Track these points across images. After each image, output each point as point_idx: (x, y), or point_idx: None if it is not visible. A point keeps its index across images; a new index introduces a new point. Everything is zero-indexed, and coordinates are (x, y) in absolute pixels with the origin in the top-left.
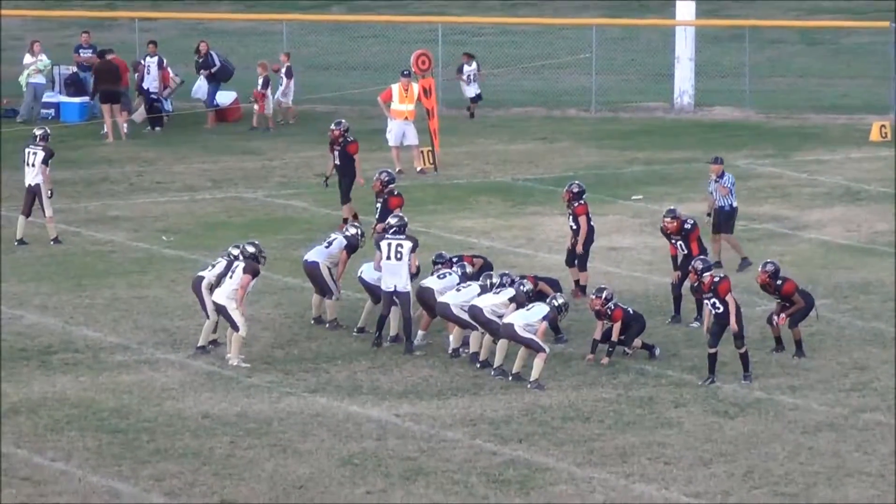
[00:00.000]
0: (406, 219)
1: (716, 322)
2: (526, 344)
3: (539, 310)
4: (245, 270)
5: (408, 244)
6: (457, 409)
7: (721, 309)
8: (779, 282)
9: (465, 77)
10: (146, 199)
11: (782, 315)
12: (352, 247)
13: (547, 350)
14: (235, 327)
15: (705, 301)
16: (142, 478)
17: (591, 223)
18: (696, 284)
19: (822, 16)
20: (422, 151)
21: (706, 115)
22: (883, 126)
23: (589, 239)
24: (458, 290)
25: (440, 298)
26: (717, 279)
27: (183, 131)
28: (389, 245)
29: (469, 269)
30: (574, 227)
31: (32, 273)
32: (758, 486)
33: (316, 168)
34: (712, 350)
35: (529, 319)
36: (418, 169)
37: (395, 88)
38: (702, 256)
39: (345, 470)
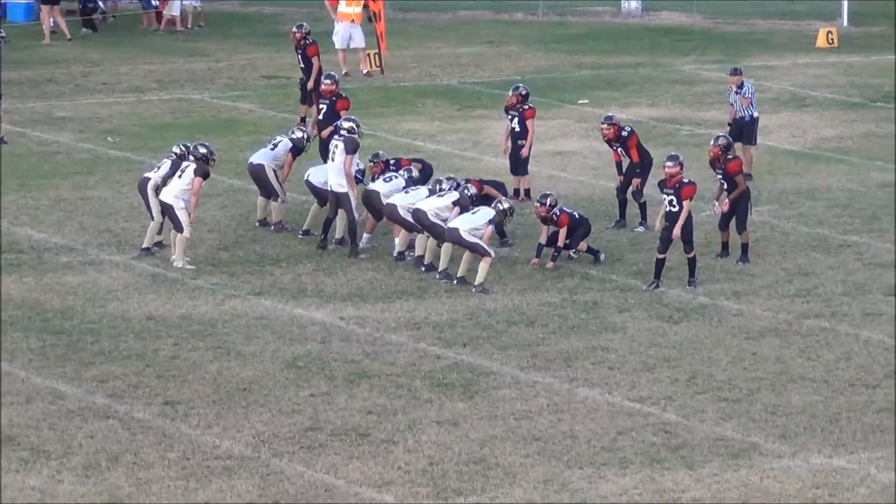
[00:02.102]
0: (357, 123)
1: (666, 228)
2: (471, 248)
3: (484, 213)
4: (196, 172)
5: (341, 145)
6: (401, 312)
7: (676, 209)
8: (729, 156)
9: None
10: (92, 100)
11: (725, 200)
12: (297, 150)
13: (492, 254)
14: (180, 228)
15: (664, 196)
16: (85, 379)
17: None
18: (716, 160)
19: None
20: (368, 54)
21: (653, 20)
22: (829, 32)
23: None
24: (406, 192)
25: (387, 200)
26: (685, 180)
27: (130, 33)
28: (336, 146)
29: (415, 174)
30: (518, 129)
31: None
32: (701, 390)
33: (262, 70)
34: (661, 256)
35: (474, 223)
36: (365, 71)
37: None
38: (723, 134)
39: (289, 372)
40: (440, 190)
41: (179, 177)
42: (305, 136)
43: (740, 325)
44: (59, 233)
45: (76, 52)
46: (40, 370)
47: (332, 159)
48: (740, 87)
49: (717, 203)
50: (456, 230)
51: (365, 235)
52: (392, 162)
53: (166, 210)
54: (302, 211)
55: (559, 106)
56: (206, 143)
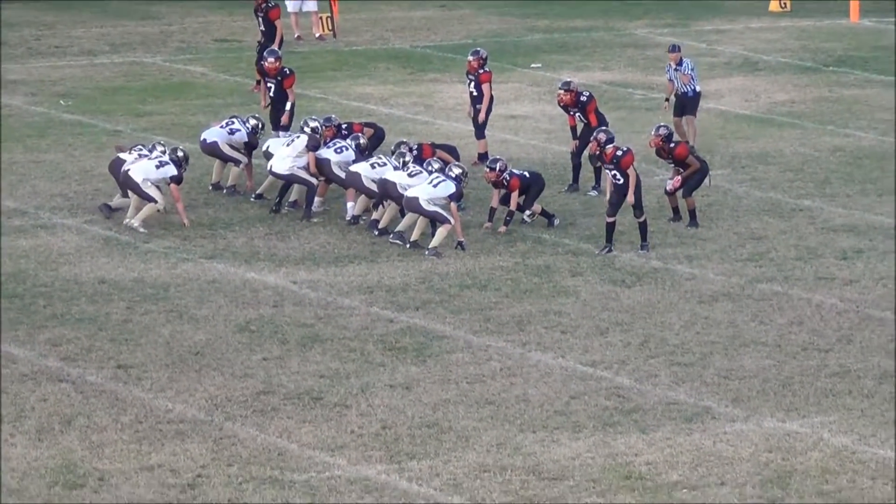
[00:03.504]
0: (321, 124)
1: (615, 192)
2: (430, 217)
3: (446, 186)
4: (173, 179)
5: (304, 139)
6: (354, 276)
7: (621, 181)
8: (672, 145)
9: None
10: (44, 63)
11: (676, 178)
12: (251, 145)
13: (451, 221)
14: (152, 200)
15: (606, 171)
16: (38, 342)
17: (492, 92)
18: (597, 154)
19: None
20: (321, 17)
21: None
22: None
23: (489, 108)
24: (372, 166)
25: (352, 168)
26: (619, 152)
27: None
28: (297, 137)
29: (363, 141)
30: (476, 93)
31: None
32: (654, 355)
33: (215, 33)
34: (610, 219)
35: (435, 194)
36: (317, 35)
37: None
38: (603, 128)
39: (241, 336)
40: (404, 164)
41: (157, 168)
42: (260, 125)
43: (693, 289)
44: (11, 196)
45: (28, 14)
46: None
47: (287, 145)
48: (679, 63)
49: (670, 181)
50: (416, 199)
51: (316, 199)
52: (344, 126)
53: (134, 188)
54: (258, 175)
55: (512, 70)
56: (184, 149)
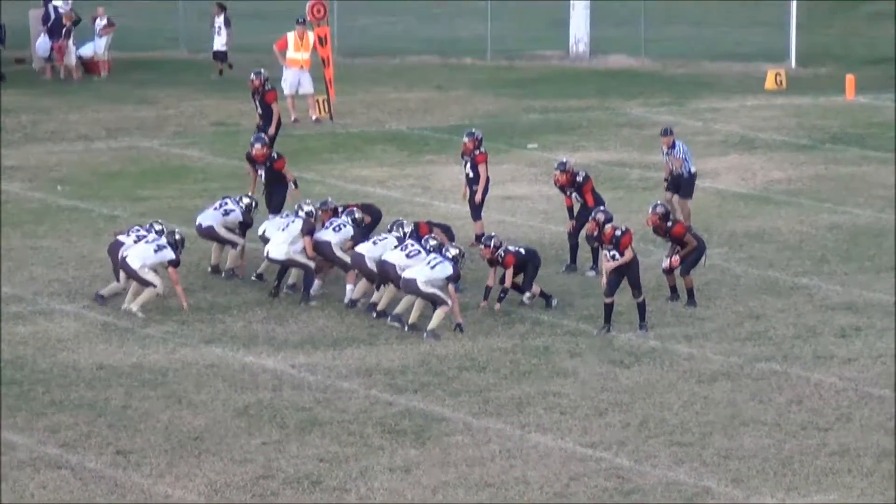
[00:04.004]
0: (316, 208)
1: (613, 272)
2: (429, 298)
3: (443, 268)
4: (171, 263)
5: (298, 224)
6: (352, 359)
7: (619, 261)
8: (669, 224)
9: (215, 28)
10: (41, 148)
11: (675, 257)
12: (245, 224)
13: (450, 303)
14: (151, 285)
15: (604, 252)
16: (37, 429)
17: (489, 173)
18: (595, 234)
19: None
20: (317, 100)
21: (602, 63)
22: (778, 74)
23: (486, 189)
24: (374, 243)
25: (358, 249)
26: (618, 232)
27: (83, 80)
28: (292, 223)
29: (358, 215)
30: (472, 175)
31: None
32: (653, 435)
33: (211, 117)
34: (608, 300)
35: (433, 276)
36: (314, 118)
37: (291, 37)
38: (601, 208)
39: (240, 420)
40: (404, 234)
41: (154, 252)
42: (254, 204)
43: (692, 368)
44: (8, 282)
45: (25, 100)
46: None
47: (282, 230)
48: (672, 146)
49: (667, 258)
50: (414, 281)
51: (316, 282)
52: (341, 209)
53: (132, 274)
54: (255, 258)
55: (508, 150)
56: (181, 232)
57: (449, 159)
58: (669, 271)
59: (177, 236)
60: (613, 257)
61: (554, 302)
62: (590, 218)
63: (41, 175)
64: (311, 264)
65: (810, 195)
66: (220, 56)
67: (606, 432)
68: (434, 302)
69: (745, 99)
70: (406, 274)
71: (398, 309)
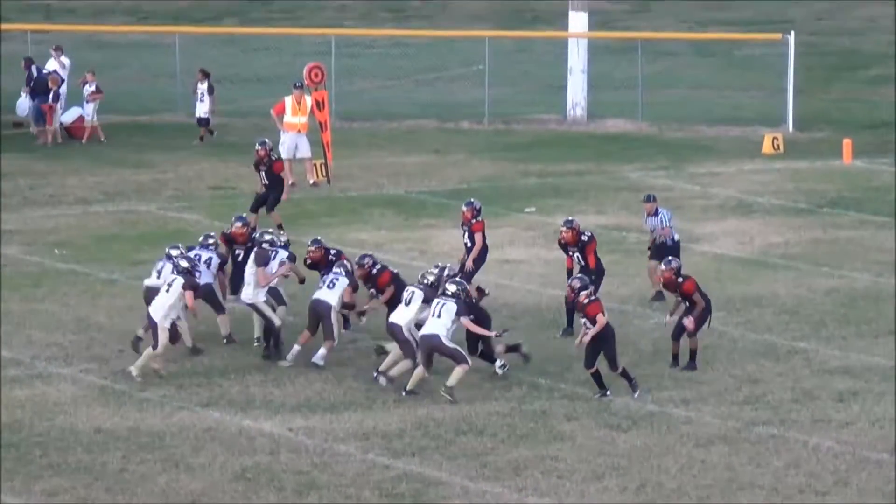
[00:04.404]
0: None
1: (590, 343)
2: (450, 355)
3: (448, 310)
4: (184, 287)
5: (251, 259)
6: (350, 422)
7: (592, 330)
8: (680, 279)
9: (197, 94)
10: (39, 212)
11: (690, 318)
12: (223, 262)
13: (469, 363)
14: (155, 345)
15: (580, 319)
16: (34, 493)
17: (486, 241)
18: (572, 301)
19: (715, 27)
20: (315, 164)
21: (599, 127)
22: (775, 138)
23: (482, 257)
24: (406, 304)
25: (392, 319)
26: (586, 301)
27: (75, 144)
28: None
29: (349, 267)
30: (469, 244)
31: None
32: (651, 499)
33: (208, 180)
34: (591, 370)
35: (448, 324)
36: (311, 182)
37: (288, 101)
38: (579, 275)
39: (238, 484)
40: (433, 285)
41: (167, 291)
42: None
43: (689, 432)
44: (6, 346)
45: (22, 164)
46: None
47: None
48: (655, 213)
49: (669, 315)
50: (437, 337)
51: (295, 347)
52: (332, 252)
53: (152, 325)
54: (247, 320)
55: (506, 214)
56: (188, 256)
57: (447, 223)
58: (678, 336)
59: (183, 263)
60: (585, 325)
61: (527, 356)
62: (567, 283)
63: (39, 239)
64: (276, 321)
65: (808, 259)
66: (203, 122)
67: (604, 496)
68: (454, 359)
69: (742, 163)
70: (425, 330)
71: (394, 371)
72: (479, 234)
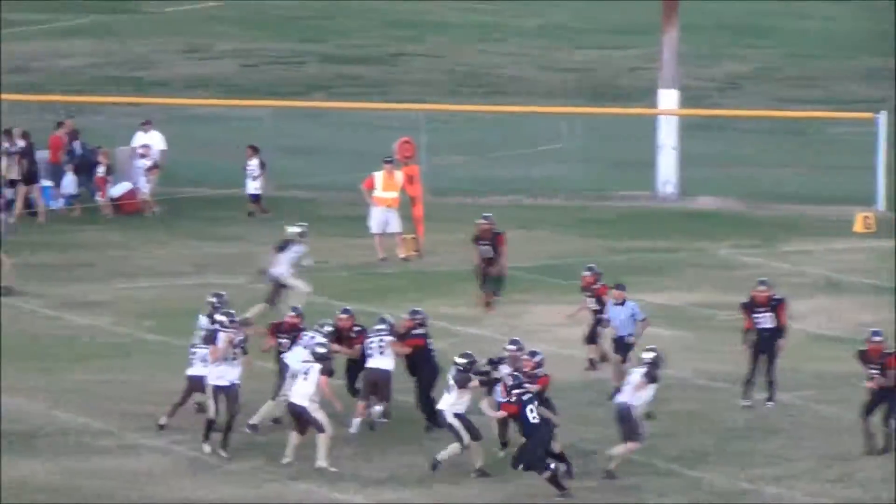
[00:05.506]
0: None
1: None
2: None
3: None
4: (322, 372)
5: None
6: (439, 496)
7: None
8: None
9: (247, 171)
10: (128, 283)
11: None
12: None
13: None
14: (321, 429)
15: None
16: None
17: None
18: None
19: (806, 106)
20: (405, 238)
21: (690, 204)
22: (867, 217)
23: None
24: (448, 392)
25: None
26: (538, 373)
27: (166, 215)
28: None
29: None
30: (598, 308)
31: (17, 356)
32: None
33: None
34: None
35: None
36: (402, 256)
37: (378, 176)
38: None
39: None
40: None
41: (305, 379)
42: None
43: None
44: (97, 417)
45: (111, 235)
46: None
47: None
48: (622, 303)
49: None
50: (442, 413)
51: (356, 420)
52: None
53: (300, 413)
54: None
55: None
56: (324, 342)
57: (537, 298)
58: (867, 414)
59: (320, 350)
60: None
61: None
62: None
63: (128, 310)
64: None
65: None
66: (254, 198)
67: None
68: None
69: (833, 242)
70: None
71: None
72: (606, 296)
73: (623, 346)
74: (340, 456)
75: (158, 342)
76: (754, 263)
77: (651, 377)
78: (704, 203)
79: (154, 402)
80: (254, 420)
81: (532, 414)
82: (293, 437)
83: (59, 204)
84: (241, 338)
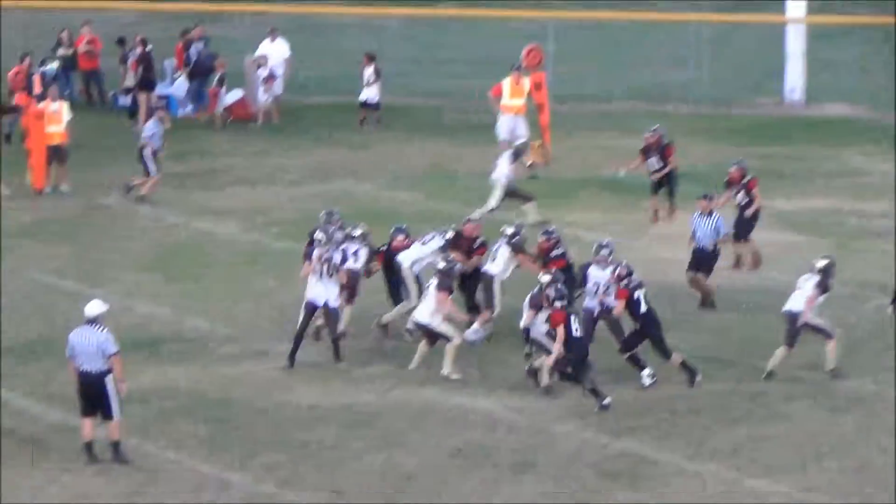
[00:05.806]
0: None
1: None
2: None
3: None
4: (439, 287)
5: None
6: (567, 401)
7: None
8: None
9: (364, 78)
10: (254, 190)
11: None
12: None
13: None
14: (448, 339)
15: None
16: (253, 467)
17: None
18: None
19: None
20: (532, 145)
21: (818, 111)
22: None
23: (756, 215)
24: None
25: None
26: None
27: (292, 123)
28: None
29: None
30: (747, 200)
31: (144, 264)
32: (871, 480)
33: (426, 160)
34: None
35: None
36: (528, 163)
37: (506, 83)
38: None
39: (454, 461)
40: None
41: (426, 297)
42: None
43: None
44: (222, 322)
45: (238, 142)
46: (206, 458)
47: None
48: (709, 214)
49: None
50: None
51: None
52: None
53: (424, 329)
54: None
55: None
56: (451, 258)
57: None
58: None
59: (442, 264)
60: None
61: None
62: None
63: (254, 217)
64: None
65: None
66: (370, 106)
67: (822, 477)
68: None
69: None
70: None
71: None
72: (756, 189)
73: (700, 259)
74: (469, 363)
75: (285, 249)
76: (882, 170)
77: (823, 286)
78: (832, 109)
79: (279, 310)
80: (385, 319)
81: (575, 325)
82: (422, 346)
83: (184, 111)
84: (340, 257)
